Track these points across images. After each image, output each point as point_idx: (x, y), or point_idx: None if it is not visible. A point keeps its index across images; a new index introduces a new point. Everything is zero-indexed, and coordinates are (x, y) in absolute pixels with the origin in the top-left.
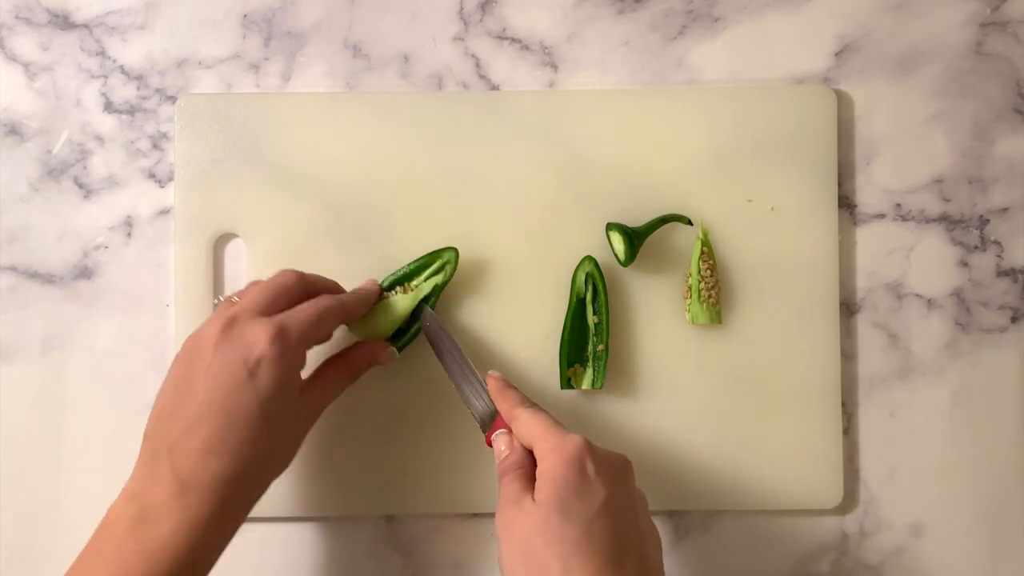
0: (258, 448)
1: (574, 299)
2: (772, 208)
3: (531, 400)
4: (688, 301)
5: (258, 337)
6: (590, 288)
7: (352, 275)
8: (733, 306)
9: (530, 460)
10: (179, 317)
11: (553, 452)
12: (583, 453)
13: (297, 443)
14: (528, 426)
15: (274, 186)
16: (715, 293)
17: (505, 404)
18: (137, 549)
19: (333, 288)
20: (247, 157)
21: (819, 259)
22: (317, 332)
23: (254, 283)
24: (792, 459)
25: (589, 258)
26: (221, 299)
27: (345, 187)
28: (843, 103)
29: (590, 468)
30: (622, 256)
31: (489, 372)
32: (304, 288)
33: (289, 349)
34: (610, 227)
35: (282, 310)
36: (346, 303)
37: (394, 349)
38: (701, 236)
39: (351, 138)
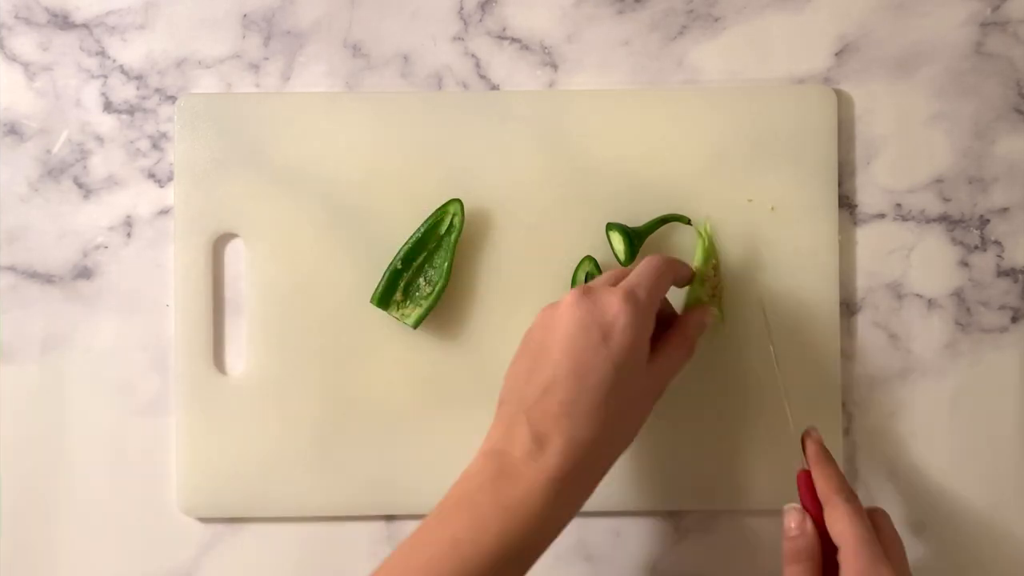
0: (609, 414)
1: None
2: (772, 208)
3: (849, 486)
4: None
5: (611, 302)
6: None
7: (353, 275)
8: (733, 306)
9: (819, 549)
10: (179, 317)
11: None
12: None
13: (643, 417)
14: (842, 526)
15: (274, 186)
16: (718, 292)
17: (824, 483)
18: (494, 503)
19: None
20: (247, 157)
21: (819, 259)
22: (661, 290)
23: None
24: (792, 459)
25: (589, 258)
26: None
27: (345, 187)
28: (843, 103)
29: None
30: (622, 256)
31: (809, 429)
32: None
33: (641, 311)
34: (610, 227)
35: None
36: (673, 261)
37: (715, 309)
38: (704, 236)
39: (351, 138)
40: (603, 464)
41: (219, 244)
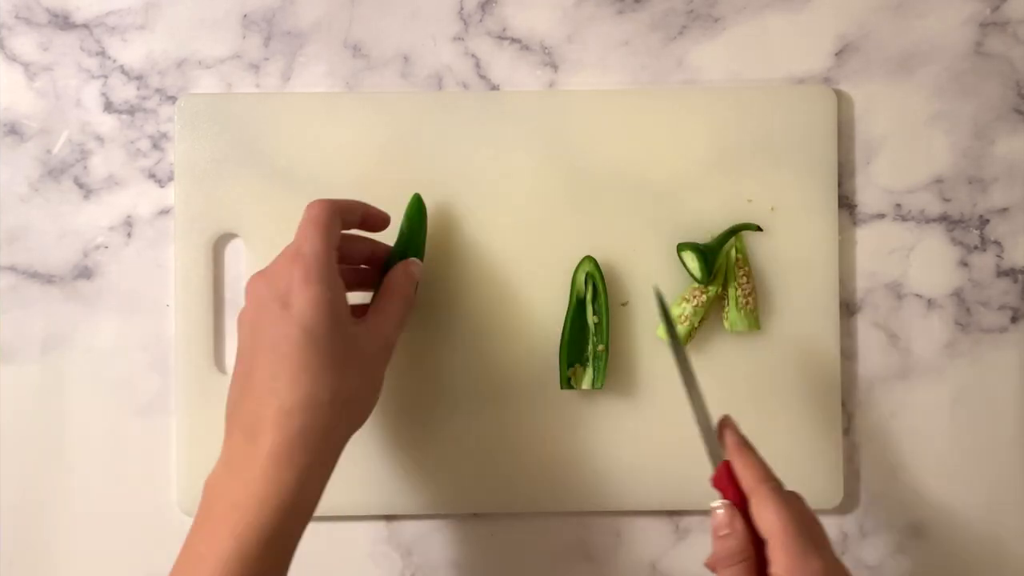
0: (317, 374)
1: (574, 299)
2: (772, 208)
3: (772, 472)
4: (726, 309)
5: (279, 270)
6: (590, 288)
7: None
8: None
9: (753, 550)
10: (179, 317)
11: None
12: None
13: (372, 370)
14: (769, 518)
15: (274, 186)
16: (752, 299)
17: (746, 472)
18: (227, 504)
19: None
20: (247, 157)
21: (819, 259)
22: (328, 238)
23: None
24: (792, 459)
25: (589, 258)
26: None
27: (345, 187)
28: (843, 103)
29: None
30: (698, 275)
31: (724, 418)
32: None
33: (310, 266)
34: (681, 247)
35: None
36: (332, 204)
37: (417, 260)
38: (736, 243)
39: (351, 138)
40: (337, 423)
41: (219, 244)
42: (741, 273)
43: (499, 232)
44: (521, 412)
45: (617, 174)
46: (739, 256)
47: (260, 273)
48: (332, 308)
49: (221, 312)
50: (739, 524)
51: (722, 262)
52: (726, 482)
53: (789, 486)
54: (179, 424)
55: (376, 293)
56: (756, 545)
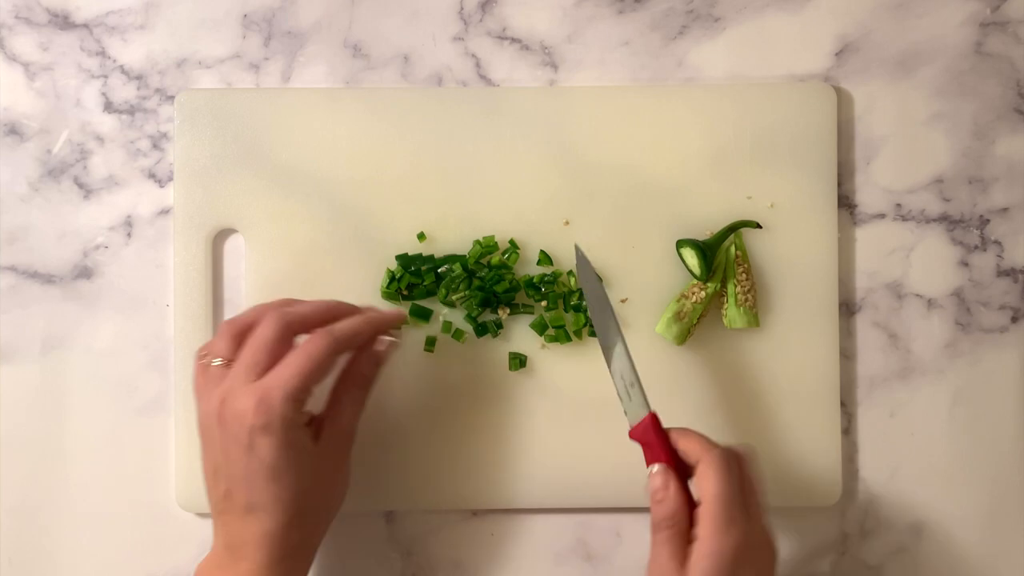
0: (290, 500)
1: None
2: (771, 205)
3: (717, 443)
4: (725, 306)
5: (245, 411)
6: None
7: (351, 272)
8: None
9: (687, 511)
10: (178, 314)
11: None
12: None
13: (337, 477)
14: (705, 486)
15: (274, 182)
16: (751, 296)
17: (691, 445)
18: None
19: (323, 317)
20: (247, 153)
21: (818, 257)
22: (307, 383)
23: (227, 323)
24: (791, 457)
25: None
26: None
27: (345, 184)
28: (843, 102)
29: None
30: (697, 271)
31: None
32: (290, 333)
33: (276, 415)
34: (681, 244)
35: (271, 365)
36: (340, 336)
37: (393, 339)
38: (735, 240)
39: (351, 134)
40: (316, 524)
41: (218, 239)
42: (740, 270)
43: (498, 230)
44: (521, 411)
45: (617, 171)
46: (738, 253)
47: (223, 401)
48: (295, 442)
49: (220, 309)
50: (673, 488)
51: (721, 259)
52: (651, 435)
53: (787, 485)
54: (178, 421)
55: (338, 380)
56: (691, 508)
